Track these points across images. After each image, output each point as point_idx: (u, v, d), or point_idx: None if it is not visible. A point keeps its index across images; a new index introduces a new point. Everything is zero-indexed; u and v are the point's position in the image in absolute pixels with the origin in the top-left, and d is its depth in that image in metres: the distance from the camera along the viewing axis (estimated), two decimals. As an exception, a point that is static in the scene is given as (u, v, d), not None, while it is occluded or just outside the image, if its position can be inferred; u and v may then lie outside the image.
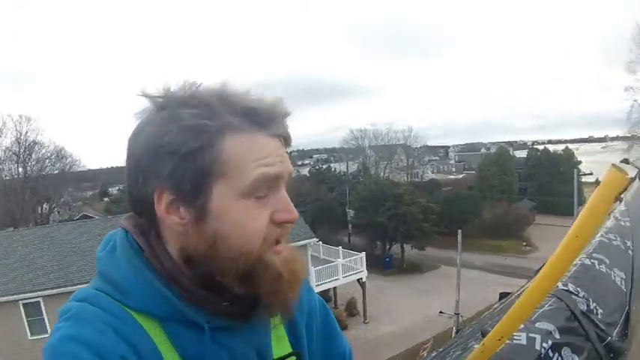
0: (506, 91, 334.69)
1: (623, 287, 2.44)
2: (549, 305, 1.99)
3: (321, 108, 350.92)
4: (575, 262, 2.47)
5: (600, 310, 2.13)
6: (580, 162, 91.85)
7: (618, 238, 2.98)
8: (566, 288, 2.15)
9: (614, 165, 1.27)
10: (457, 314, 28.60)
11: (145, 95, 1.29)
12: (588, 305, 2.09)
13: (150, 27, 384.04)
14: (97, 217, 61.00)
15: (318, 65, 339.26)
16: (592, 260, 2.54)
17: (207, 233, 1.24)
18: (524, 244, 64.04)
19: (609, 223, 3.30)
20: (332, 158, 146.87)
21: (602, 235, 2.96)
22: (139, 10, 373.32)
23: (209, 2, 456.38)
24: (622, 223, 3.33)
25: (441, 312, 32.75)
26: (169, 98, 1.28)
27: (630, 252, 2.90)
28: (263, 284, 1.30)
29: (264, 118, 1.29)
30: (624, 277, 2.53)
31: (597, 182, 1.43)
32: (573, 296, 2.09)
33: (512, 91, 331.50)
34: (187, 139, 1.20)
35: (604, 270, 2.48)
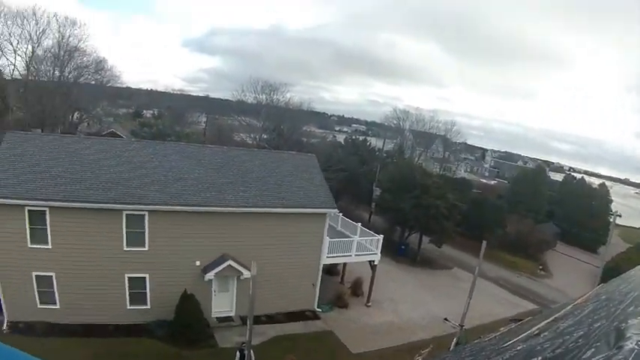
0: (552, 109, 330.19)
1: None
2: None
3: (370, 80, 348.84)
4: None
5: None
6: (612, 201, 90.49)
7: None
8: None
9: None
10: (462, 326, 27.50)
11: None
12: None
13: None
14: (123, 137, 60.50)
15: (377, 37, 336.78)
16: None
17: None
18: (540, 267, 62.52)
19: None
20: (370, 132, 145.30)
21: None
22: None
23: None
24: None
25: (446, 319, 31.99)
26: None
27: None
28: None
29: None
30: None
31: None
32: None
33: (557, 110, 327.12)
34: None
35: None
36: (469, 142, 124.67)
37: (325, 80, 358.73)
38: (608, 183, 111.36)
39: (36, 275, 28.48)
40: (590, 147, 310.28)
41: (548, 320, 9.71)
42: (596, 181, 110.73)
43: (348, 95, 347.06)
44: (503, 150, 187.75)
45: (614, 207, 79.59)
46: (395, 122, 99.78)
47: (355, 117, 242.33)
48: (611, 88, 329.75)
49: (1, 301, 28.52)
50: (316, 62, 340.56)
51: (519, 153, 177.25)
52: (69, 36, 69.02)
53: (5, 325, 28.41)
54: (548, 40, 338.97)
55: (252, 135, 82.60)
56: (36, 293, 28.73)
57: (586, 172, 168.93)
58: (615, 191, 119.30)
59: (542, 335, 6.94)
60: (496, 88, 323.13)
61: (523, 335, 8.90)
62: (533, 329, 9.33)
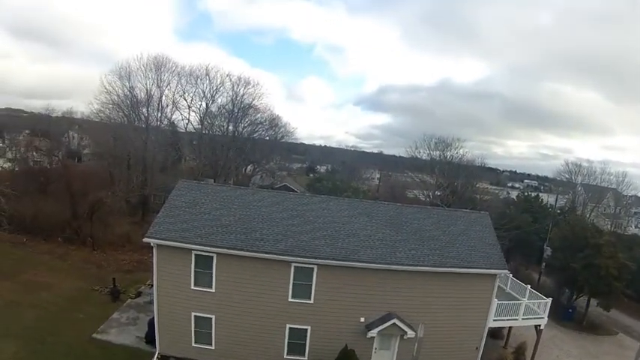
0: None
1: None
2: None
3: (539, 132, 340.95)
4: None
5: None
6: None
7: None
8: None
9: None
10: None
11: None
12: None
13: None
14: (297, 191, 61.42)
15: (541, 87, 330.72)
16: None
17: None
18: None
19: None
20: (542, 187, 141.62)
21: None
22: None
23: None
24: None
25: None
26: None
27: None
28: None
29: None
30: None
31: None
32: None
33: None
34: None
35: None
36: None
37: (496, 135, 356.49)
38: None
39: (195, 315, 29.16)
40: None
41: None
42: None
43: (519, 149, 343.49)
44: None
45: None
46: (567, 176, 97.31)
47: (527, 172, 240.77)
48: None
49: (156, 335, 29.34)
50: (485, 116, 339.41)
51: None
52: (243, 94, 72.29)
53: (156, 357, 29.43)
54: None
55: (425, 192, 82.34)
56: (192, 332, 29.48)
57: None
58: None
59: None
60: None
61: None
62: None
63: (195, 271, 28.33)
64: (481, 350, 33.20)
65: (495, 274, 31.80)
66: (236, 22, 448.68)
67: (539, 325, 36.05)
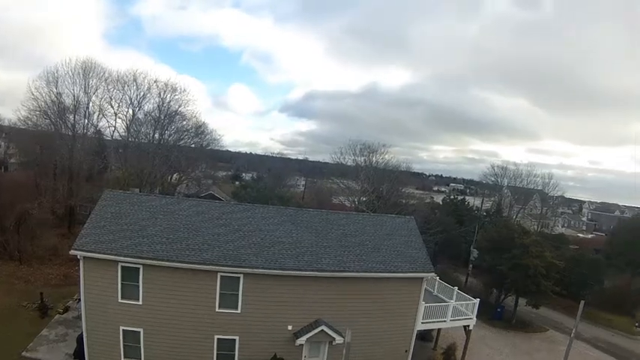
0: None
1: None
2: None
3: (466, 137, 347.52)
4: None
5: None
6: None
7: None
8: None
9: None
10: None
11: None
12: None
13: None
14: (222, 199, 61.16)
15: (467, 94, 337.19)
16: None
17: None
18: (637, 324, 58.50)
19: None
20: (468, 190, 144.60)
21: None
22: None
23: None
24: None
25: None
26: None
27: None
28: None
29: None
30: None
31: None
32: None
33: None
34: None
35: None
36: (566, 195, 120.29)
37: (422, 140, 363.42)
38: None
39: (123, 329, 28.43)
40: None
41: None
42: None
43: (445, 153, 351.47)
44: (599, 201, 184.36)
45: None
46: (493, 179, 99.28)
47: (453, 176, 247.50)
48: None
49: (85, 352, 28.56)
50: (411, 122, 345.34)
51: (617, 202, 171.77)
52: (169, 101, 71.24)
53: (86, 374, 28.60)
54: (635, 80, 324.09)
55: (350, 198, 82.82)
56: (121, 347, 28.68)
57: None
58: None
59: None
60: (587, 136, 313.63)
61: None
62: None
63: (122, 283, 27.70)
64: (411, 353, 33.56)
65: (422, 278, 32.30)
66: (165, 29, 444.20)
67: (468, 326, 36.71)
